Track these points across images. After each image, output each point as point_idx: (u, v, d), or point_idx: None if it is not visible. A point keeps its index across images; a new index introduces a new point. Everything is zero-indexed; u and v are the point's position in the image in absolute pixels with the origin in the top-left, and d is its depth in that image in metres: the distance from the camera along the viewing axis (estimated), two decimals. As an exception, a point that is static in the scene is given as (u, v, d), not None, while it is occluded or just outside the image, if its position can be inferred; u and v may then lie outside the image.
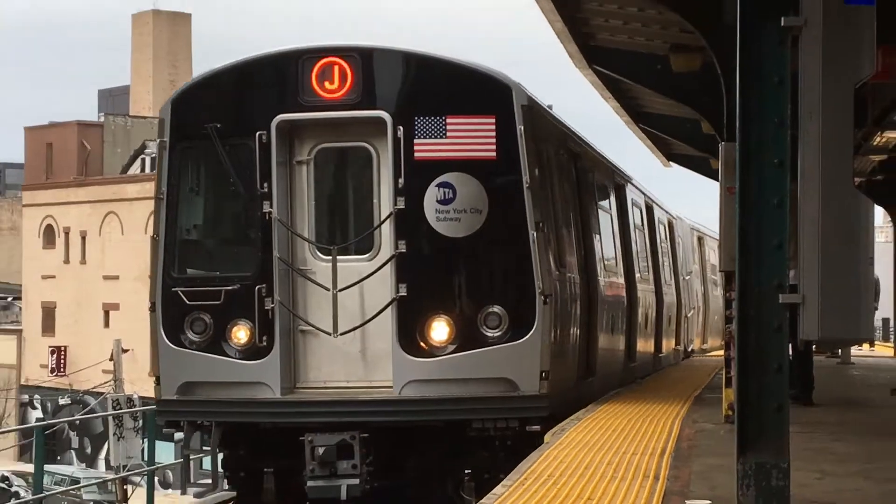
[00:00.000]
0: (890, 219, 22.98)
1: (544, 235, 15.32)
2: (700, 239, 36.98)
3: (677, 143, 31.27)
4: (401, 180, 14.97)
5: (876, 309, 9.97)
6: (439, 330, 14.98)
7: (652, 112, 28.83)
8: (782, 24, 7.86)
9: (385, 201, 15.31)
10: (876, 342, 27.51)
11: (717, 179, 18.52)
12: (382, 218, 15.37)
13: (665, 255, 31.44)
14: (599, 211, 22.62)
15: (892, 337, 23.85)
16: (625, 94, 27.30)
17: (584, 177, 20.59)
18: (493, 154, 15.43)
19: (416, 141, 15.14)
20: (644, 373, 26.57)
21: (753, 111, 7.99)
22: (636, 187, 28.19)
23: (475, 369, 14.92)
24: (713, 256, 38.91)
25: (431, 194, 15.01)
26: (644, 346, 26.93)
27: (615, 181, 25.24)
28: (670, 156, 35.37)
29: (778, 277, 7.95)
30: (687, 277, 33.02)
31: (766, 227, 7.98)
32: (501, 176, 15.52)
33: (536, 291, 14.83)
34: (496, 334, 14.87)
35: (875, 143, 22.16)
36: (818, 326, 7.93)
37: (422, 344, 14.98)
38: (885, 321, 26.82)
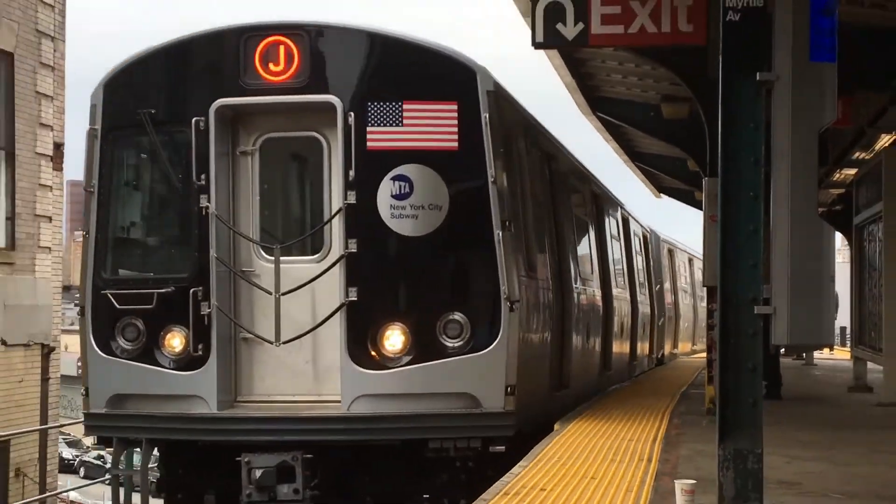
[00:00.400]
0: (847, 242, 22.91)
1: (512, 235, 12.21)
2: (671, 251, 33.31)
3: (667, 177, 31.10)
4: (352, 172, 11.86)
5: (835, 319, 10.10)
6: (393, 339, 11.92)
7: (646, 152, 28.70)
8: (757, 78, 7.93)
9: (336, 196, 12.14)
10: (835, 347, 27.37)
11: (701, 209, 18.34)
12: (331, 214, 12.25)
13: (640, 264, 27.23)
14: (575, 216, 18.51)
15: (848, 343, 23.76)
16: (623, 137, 27.26)
17: (559, 179, 16.81)
18: (455, 144, 12.23)
19: (369, 129, 12.05)
20: (619, 380, 22.70)
21: (733, 152, 8.03)
22: (612, 198, 24.07)
23: (433, 383, 11.88)
24: (682, 268, 36.03)
25: (386, 188, 11.97)
26: (620, 354, 22.59)
27: (591, 189, 21.05)
28: (661, 188, 35.16)
29: (753, 292, 8.00)
30: (658, 287, 29.28)
31: (744, 249, 8.02)
32: (464, 169, 12.33)
33: (502, 297, 11.76)
34: (457, 344, 11.82)
35: (835, 179, 22.22)
36: (787, 333, 7.96)
37: (374, 354, 11.92)
38: (843, 329, 26.68)
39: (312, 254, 12.43)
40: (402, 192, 11.93)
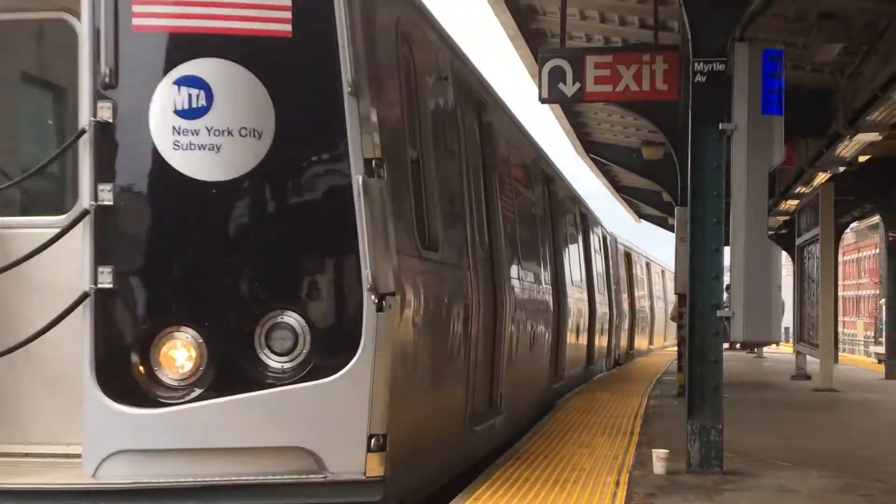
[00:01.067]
0: (791, 259, 22.84)
1: (385, 185, 5.99)
2: (628, 255, 27.15)
3: (645, 206, 31.05)
4: (106, 70, 5.79)
5: (781, 321, 10.08)
6: (176, 355, 5.78)
7: (628, 185, 28.69)
8: (719, 128, 7.94)
9: (83, 110, 5.89)
10: (781, 343, 27.28)
11: (673, 232, 18.22)
12: (70, 139, 6.06)
13: (599, 264, 20.01)
14: (518, 192, 11.36)
15: (791, 340, 23.69)
16: (610, 173, 27.32)
17: (493, 139, 9.85)
18: (288, 28, 6.03)
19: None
20: (573, 387, 15.81)
21: (699, 186, 8.03)
22: (569, 188, 16.92)
23: (243, 431, 5.79)
24: (639, 270, 29.98)
25: (164, 98, 5.82)
26: (574, 360, 15.55)
27: (542, 168, 13.77)
28: (641, 215, 35.09)
29: (715, 298, 7.99)
30: (615, 287, 22.62)
31: (708, 265, 8.00)
32: (302, 69, 6.07)
33: (364, 289, 5.78)
34: (286, 366, 5.83)
35: (781, 208, 22.14)
36: (743, 332, 8.02)
37: (140, 381, 5.75)
38: (787, 329, 26.59)
39: (51, 210, 6.23)
40: (194, 105, 5.84)
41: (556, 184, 14.72)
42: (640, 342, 30.53)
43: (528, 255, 11.46)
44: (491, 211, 9.45)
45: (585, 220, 18.57)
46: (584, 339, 16.88)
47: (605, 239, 21.76)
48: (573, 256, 16.23)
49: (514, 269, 10.25)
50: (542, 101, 12.11)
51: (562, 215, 14.96)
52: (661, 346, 35.65)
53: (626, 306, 25.74)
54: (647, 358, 28.91)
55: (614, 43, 15.12)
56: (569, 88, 11.81)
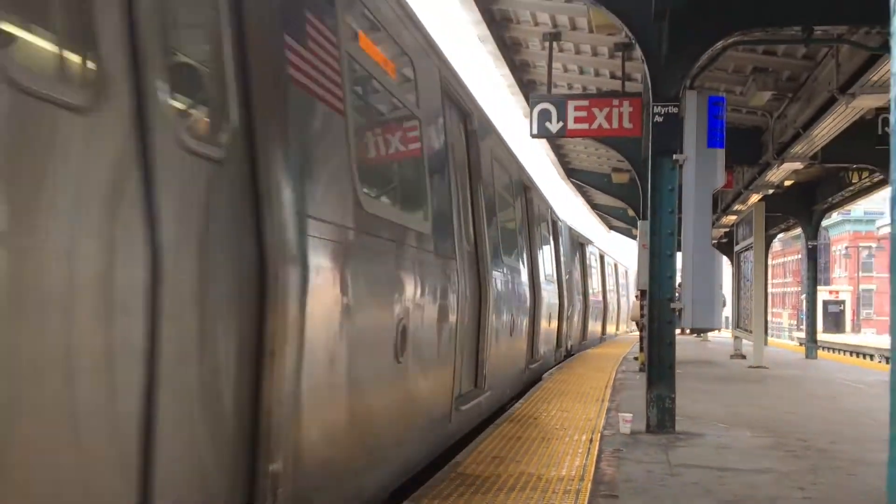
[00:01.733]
0: (730, 263, 22.82)
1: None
2: (582, 245, 20.85)
3: (614, 220, 30.97)
4: None
5: (723, 311, 10.10)
6: None
7: (600, 203, 28.62)
8: (673, 158, 7.92)
9: None
10: (722, 329, 27.35)
11: (636, 240, 18.17)
12: None
13: (546, 249, 13.99)
14: (430, 134, 5.69)
15: (730, 327, 23.70)
16: (586, 193, 27.20)
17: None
18: None
19: None
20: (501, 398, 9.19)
21: (657, 204, 8.00)
22: (502, 140, 9.61)
23: None
24: (594, 261, 23.75)
25: None
26: (508, 360, 9.20)
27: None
28: (611, 227, 34.96)
29: (670, 294, 7.97)
30: (567, 277, 16.80)
31: (664, 267, 7.98)
32: None
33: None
34: None
35: (722, 222, 22.14)
36: (691, 320, 8.04)
37: None
38: (727, 318, 26.58)
39: None
40: None
41: (486, 137, 8.32)
42: (610, 328, 29.49)
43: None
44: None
45: (528, 192, 13.00)
46: (524, 335, 11.89)
47: (555, 225, 16.20)
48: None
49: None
50: (533, 135, 12.13)
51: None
52: (625, 331, 35.38)
53: (578, 297, 21.05)
54: (615, 341, 28.76)
55: (590, 90, 15.12)
56: (554, 126, 11.83)
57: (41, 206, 1.93)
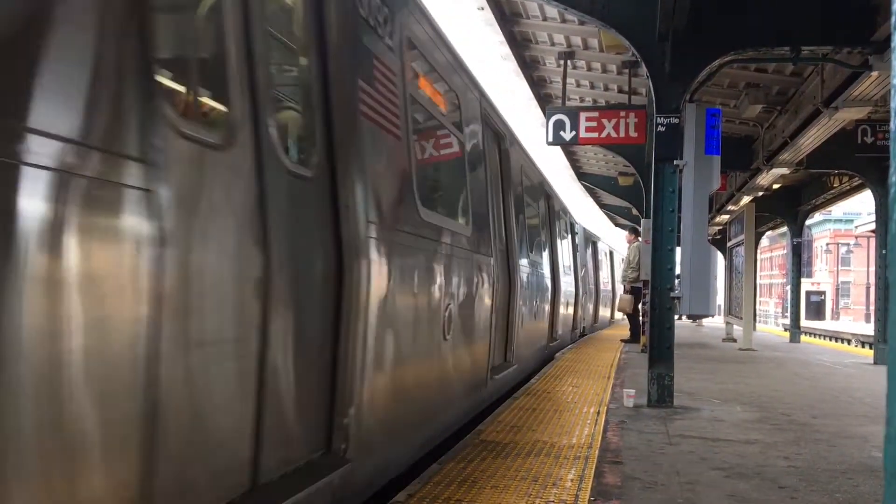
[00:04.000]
0: (723, 256, 22.64)
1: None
2: (594, 243, 21.61)
3: (620, 217, 30.78)
4: None
5: (716, 300, 10.02)
6: None
7: (608, 203, 28.48)
8: (674, 163, 7.85)
9: None
10: (716, 316, 27.16)
11: (640, 236, 18.13)
12: None
13: (565, 245, 14.32)
14: (472, 155, 6.00)
15: (723, 314, 23.49)
16: (595, 194, 27.09)
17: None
18: None
19: None
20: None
21: (659, 205, 7.94)
22: (528, 157, 10.13)
23: None
24: (604, 256, 24.26)
25: None
26: (533, 339, 9.69)
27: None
28: (616, 224, 34.83)
29: (670, 284, 7.91)
30: (582, 270, 17.27)
31: (665, 260, 7.92)
32: None
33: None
34: None
35: (717, 221, 21.95)
36: (689, 307, 7.92)
37: None
38: (720, 306, 26.33)
39: None
40: None
41: (512, 150, 8.56)
42: (618, 313, 28.80)
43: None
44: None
45: (572, 227, 16.17)
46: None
47: (571, 226, 16.42)
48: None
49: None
50: (549, 143, 12.06)
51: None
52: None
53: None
54: (622, 325, 28.57)
55: (600, 103, 15.03)
56: (567, 135, 11.76)
57: (204, 218, 2.32)
